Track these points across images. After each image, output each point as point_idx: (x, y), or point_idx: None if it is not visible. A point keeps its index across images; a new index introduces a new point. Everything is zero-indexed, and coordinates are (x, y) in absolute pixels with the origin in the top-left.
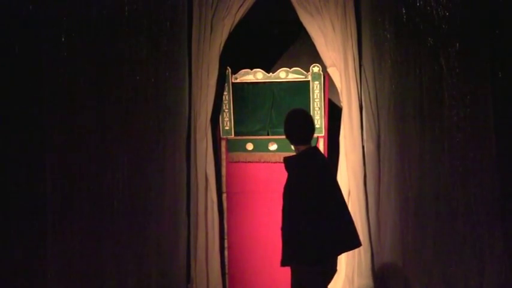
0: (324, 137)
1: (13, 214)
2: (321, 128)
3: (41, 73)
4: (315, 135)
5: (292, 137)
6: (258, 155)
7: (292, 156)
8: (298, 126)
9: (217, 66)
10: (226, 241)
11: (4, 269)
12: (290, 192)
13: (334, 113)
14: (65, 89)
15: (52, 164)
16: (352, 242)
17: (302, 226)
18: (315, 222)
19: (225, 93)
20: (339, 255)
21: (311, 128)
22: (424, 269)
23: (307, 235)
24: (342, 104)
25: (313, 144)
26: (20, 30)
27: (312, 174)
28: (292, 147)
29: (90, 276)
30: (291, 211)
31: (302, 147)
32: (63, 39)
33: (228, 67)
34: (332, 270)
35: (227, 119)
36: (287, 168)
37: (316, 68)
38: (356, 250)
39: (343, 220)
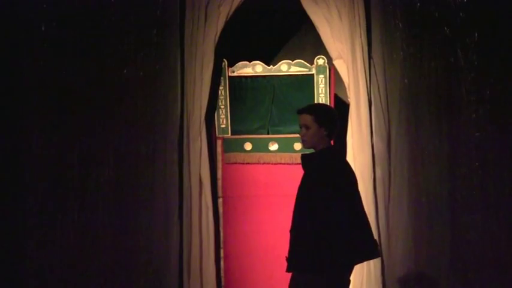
0: None
1: None
2: None
3: (19, 69)
4: None
5: (333, 128)
6: (257, 155)
7: (315, 152)
8: (335, 115)
9: (212, 59)
10: (222, 250)
11: None
12: (317, 192)
13: (340, 109)
14: (44, 84)
15: (31, 166)
16: (373, 251)
17: (331, 230)
18: (346, 225)
19: (221, 88)
20: (358, 263)
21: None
22: (439, 279)
23: (338, 240)
24: (349, 100)
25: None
26: None
27: (344, 173)
28: (294, 146)
29: None
30: (319, 213)
31: (329, 142)
32: (42, 28)
33: (224, 59)
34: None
35: (223, 116)
36: (307, 165)
37: (321, 60)
38: None
39: (368, 226)
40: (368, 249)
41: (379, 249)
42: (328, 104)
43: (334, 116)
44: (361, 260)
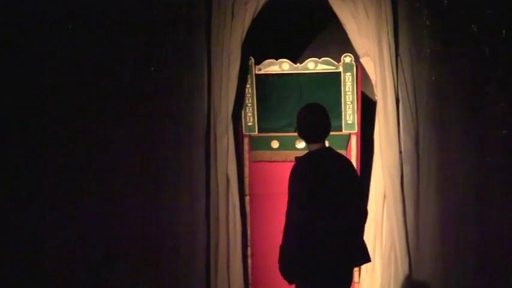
0: (356, 134)
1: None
2: (353, 124)
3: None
4: (346, 132)
5: (299, 133)
6: (284, 153)
7: (302, 156)
8: (307, 120)
9: (239, 56)
10: (249, 248)
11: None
12: (288, 196)
13: (367, 107)
14: (67, 84)
15: (53, 165)
16: (349, 260)
17: (290, 237)
18: (303, 232)
19: (248, 85)
20: (332, 273)
21: (322, 124)
22: (466, 277)
23: (293, 247)
24: (376, 98)
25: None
26: (15, 27)
27: (310, 178)
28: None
29: None
30: (286, 218)
31: (313, 146)
32: (62, 25)
33: (251, 57)
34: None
35: (250, 114)
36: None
37: (348, 58)
38: (392, 258)
39: (343, 234)
40: (308, 270)
41: (359, 256)
42: (355, 101)
43: (300, 119)
44: (325, 269)
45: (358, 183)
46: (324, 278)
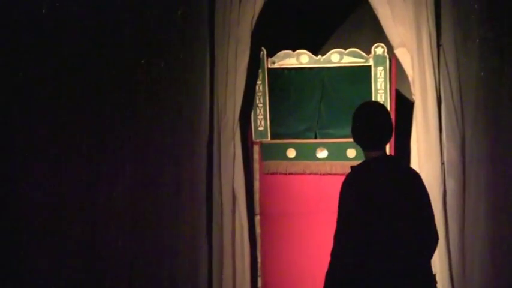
0: (390, 141)
1: None
2: None
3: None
4: None
5: (355, 138)
6: (303, 164)
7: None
8: (364, 123)
9: (248, 47)
10: (260, 279)
11: None
12: (338, 213)
13: (403, 108)
14: (54, 82)
15: (38, 173)
16: None
17: (340, 265)
18: (359, 255)
19: (259, 82)
20: None
21: (382, 128)
22: None
23: (343, 276)
24: (413, 97)
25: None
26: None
27: (366, 192)
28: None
29: None
30: (335, 238)
31: (370, 154)
32: (43, 10)
33: (263, 48)
34: None
35: (261, 116)
36: None
37: (379, 49)
38: None
39: (406, 263)
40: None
41: None
42: (388, 100)
43: (355, 121)
44: None
45: (427, 200)
46: None
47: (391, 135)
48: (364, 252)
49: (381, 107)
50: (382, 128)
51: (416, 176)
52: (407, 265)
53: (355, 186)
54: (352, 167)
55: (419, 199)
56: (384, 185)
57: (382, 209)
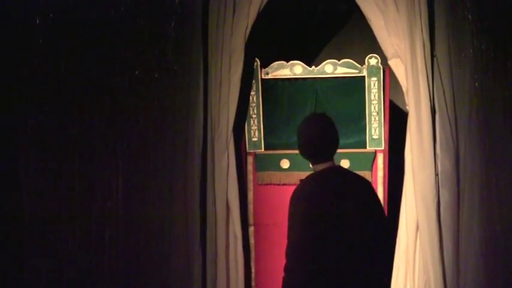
0: (383, 151)
1: None
2: (379, 139)
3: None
4: (372, 149)
5: (301, 152)
6: (297, 175)
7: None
8: (308, 137)
9: (242, 57)
10: None
11: None
12: (288, 227)
13: (397, 119)
14: (45, 85)
15: (26, 187)
16: None
17: (296, 274)
18: (312, 269)
19: (253, 93)
20: None
21: (327, 140)
22: None
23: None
24: (407, 108)
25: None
26: None
27: (314, 205)
28: (342, 163)
29: None
30: (287, 254)
31: (318, 167)
32: (37, 21)
33: (257, 59)
34: None
35: (255, 127)
36: None
37: (373, 60)
38: None
39: (361, 275)
40: None
41: None
42: (382, 112)
43: (299, 136)
44: None
45: (380, 209)
46: None
47: (336, 147)
48: (318, 266)
49: (326, 119)
50: (326, 140)
51: (366, 184)
52: (363, 279)
53: (304, 200)
54: (301, 180)
55: (372, 207)
56: (334, 197)
57: (333, 221)
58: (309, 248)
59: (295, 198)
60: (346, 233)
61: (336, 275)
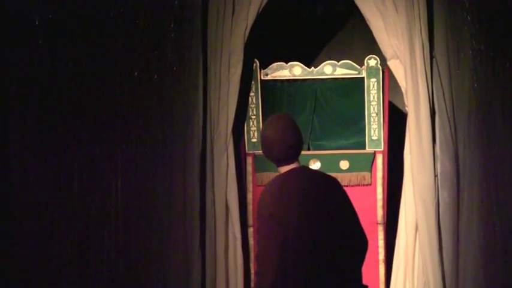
0: (383, 152)
1: None
2: (379, 140)
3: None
4: (371, 150)
5: (264, 153)
6: None
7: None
8: (269, 138)
9: (241, 58)
10: None
11: None
12: (258, 230)
13: (396, 120)
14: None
15: (21, 188)
16: None
17: (268, 277)
18: (284, 272)
19: (252, 94)
20: None
21: (291, 140)
22: None
23: None
24: (406, 108)
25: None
26: None
27: (281, 206)
28: (341, 165)
29: None
30: (258, 257)
31: (283, 168)
32: (36, 21)
33: (256, 59)
34: None
35: (254, 128)
36: None
37: (372, 61)
38: None
39: (333, 273)
40: None
41: None
42: (381, 112)
43: (263, 136)
44: None
45: (349, 207)
46: None
47: (300, 148)
48: (286, 268)
49: (288, 119)
50: (289, 142)
51: (333, 183)
52: (334, 279)
53: (269, 203)
54: (266, 184)
55: (340, 205)
56: (299, 197)
57: (300, 222)
58: (277, 250)
59: (261, 201)
60: (314, 233)
61: (306, 277)
